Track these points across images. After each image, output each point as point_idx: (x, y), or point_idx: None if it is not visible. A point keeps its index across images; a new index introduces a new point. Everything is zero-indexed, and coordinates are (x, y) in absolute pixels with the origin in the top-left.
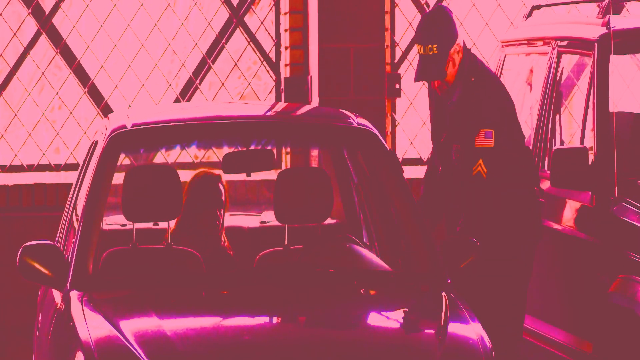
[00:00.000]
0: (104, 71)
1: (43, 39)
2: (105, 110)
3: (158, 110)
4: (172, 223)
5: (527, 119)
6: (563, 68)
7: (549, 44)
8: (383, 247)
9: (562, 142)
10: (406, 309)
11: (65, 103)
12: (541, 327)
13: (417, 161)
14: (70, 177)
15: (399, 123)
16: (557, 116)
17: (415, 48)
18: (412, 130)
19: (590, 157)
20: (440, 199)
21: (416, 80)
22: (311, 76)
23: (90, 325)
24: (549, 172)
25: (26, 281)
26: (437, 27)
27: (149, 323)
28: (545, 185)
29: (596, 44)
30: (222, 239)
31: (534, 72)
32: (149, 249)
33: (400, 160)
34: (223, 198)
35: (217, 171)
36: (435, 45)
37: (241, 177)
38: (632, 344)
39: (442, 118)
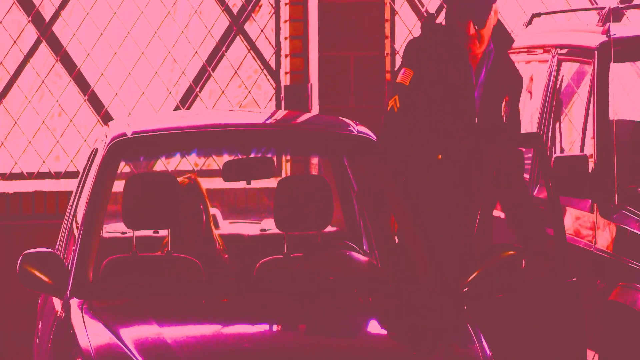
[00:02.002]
0: (104, 79)
1: (43, 47)
2: (105, 118)
3: (158, 118)
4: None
5: (528, 127)
6: (563, 76)
7: (549, 52)
8: (383, 255)
9: (562, 150)
10: (406, 318)
11: (66, 111)
12: None
13: None
14: (70, 184)
15: None
16: (557, 124)
17: None
18: None
19: (591, 165)
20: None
21: (457, 8)
22: (311, 84)
23: (91, 333)
24: None
25: (26, 289)
26: None
27: (149, 331)
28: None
29: (596, 52)
30: (217, 244)
31: (534, 79)
32: (149, 256)
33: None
34: (201, 206)
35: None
36: None
37: (241, 184)
38: (636, 352)
39: (461, 87)
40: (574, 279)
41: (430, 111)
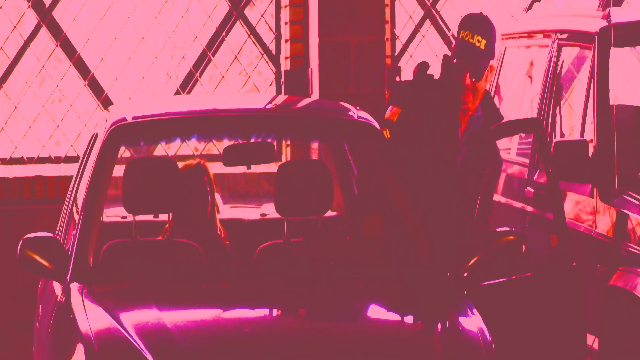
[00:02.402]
0: (104, 64)
1: (43, 32)
2: (106, 102)
3: (158, 103)
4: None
5: (528, 112)
6: (563, 61)
7: (549, 37)
8: (384, 240)
9: (562, 135)
10: (406, 302)
11: (66, 96)
12: None
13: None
14: (70, 169)
15: None
16: (558, 109)
17: (459, 38)
18: None
19: (591, 150)
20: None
21: (456, 56)
22: (311, 69)
23: (91, 318)
24: None
25: (26, 273)
26: (489, 26)
27: (149, 315)
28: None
29: (596, 37)
30: (219, 230)
31: (534, 64)
32: (149, 241)
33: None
34: (207, 187)
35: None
36: (485, 42)
37: (241, 169)
38: (636, 336)
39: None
40: (574, 263)
41: (416, 147)
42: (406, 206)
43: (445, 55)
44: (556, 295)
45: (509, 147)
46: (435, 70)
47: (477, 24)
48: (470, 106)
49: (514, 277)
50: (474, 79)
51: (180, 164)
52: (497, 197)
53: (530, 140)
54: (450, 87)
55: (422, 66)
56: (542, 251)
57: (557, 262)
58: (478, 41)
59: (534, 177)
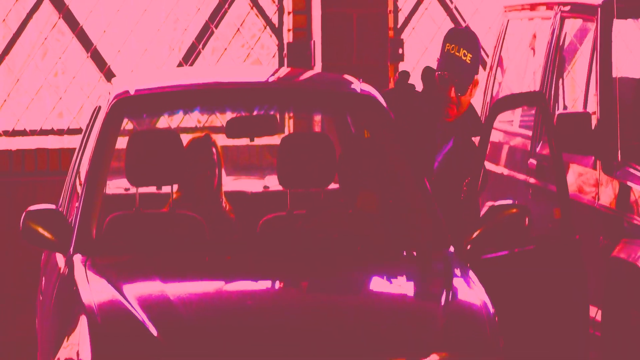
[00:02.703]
0: (106, 36)
1: (46, 4)
2: (108, 75)
3: (161, 76)
4: (175, 188)
5: (530, 84)
6: (566, 33)
7: (552, 9)
8: (386, 213)
9: (565, 107)
10: (409, 275)
11: (68, 68)
12: None
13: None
14: (73, 141)
15: None
16: (560, 81)
17: (445, 47)
18: None
19: (594, 122)
20: None
21: (441, 69)
22: (314, 41)
23: (94, 290)
24: None
25: (29, 245)
26: (475, 42)
27: (153, 287)
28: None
29: (599, 9)
30: (223, 203)
31: (537, 37)
32: (153, 213)
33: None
34: (215, 158)
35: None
36: (470, 56)
37: (244, 141)
38: (638, 307)
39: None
40: (577, 236)
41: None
42: (410, 179)
43: (426, 67)
44: (559, 268)
45: (512, 119)
46: (415, 80)
47: (464, 38)
48: (452, 120)
49: (516, 250)
50: (459, 94)
51: (188, 137)
52: (500, 169)
53: (533, 112)
54: (432, 99)
55: (403, 75)
56: (545, 224)
57: (559, 235)
58: (464, 55)
59: (537, 149)
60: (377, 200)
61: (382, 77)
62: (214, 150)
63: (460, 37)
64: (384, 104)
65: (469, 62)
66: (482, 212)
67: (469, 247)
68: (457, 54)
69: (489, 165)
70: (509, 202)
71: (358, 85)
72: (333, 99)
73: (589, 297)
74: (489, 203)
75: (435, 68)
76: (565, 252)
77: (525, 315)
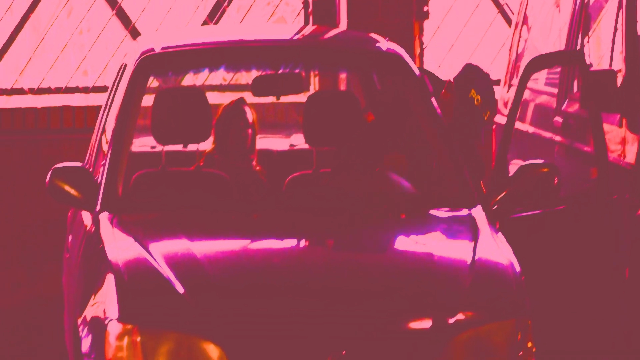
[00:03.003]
0: None
1: None
2: (133, 33)
3: (187, 34)
4: (203, 146)
5: (556, 42)
6: None
7: None
8: (413, 171)
9: (590, 65)
10: (436, 234)
11: (93, 26)
12: None
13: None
14: (98, 99)
15: (426, 45)
16: (586, 38)
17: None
18: (439, 52)
19: (619, 80)
20: None
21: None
22: None
23: (120, 247)
24: (578, 94)
25: (56, 203)
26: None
27: (179, 245)
28: (575, 107)
29: None
30: (255, 164)
31: None
32: (179, 171)
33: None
34: (249, 118)
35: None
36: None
37: (270, 99)
38: None
39: None
40: (615, 196)
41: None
42: (436, 136)
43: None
44: (594, 228)
45: (537, 77)
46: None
47: (474, 76)
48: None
49: (547, 210)
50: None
51: (213, 95)
52: (525, 127)
53: (558, 70)
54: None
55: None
56: (573, 183)
57: (595, 196)
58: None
59: (563, 107)
60: (404, 159)
61: (407, 35)
62: (248, 112)
63: (471, 75)
64: (410, 62)
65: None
66: (511, 171)
67: (496, 206)
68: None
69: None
70: (539, 161)
71: (384, 44)
72: (359, 57)
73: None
74: (516, 161)
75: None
76: (602, 213)
77: (555, 276)
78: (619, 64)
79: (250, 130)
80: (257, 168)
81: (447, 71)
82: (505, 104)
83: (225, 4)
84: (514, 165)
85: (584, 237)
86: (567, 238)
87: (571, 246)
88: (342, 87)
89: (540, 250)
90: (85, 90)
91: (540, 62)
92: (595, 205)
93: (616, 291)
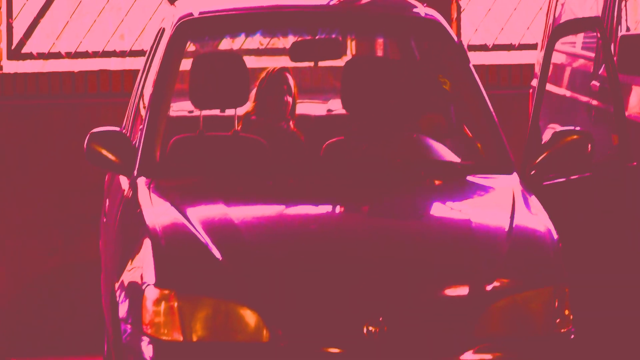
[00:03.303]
0: None
1: None
2: None
3: None
4: (241, 111)
5: (593, 7)
6: None
7: None
8: (450, 138)
9: (628, 29)
10: (473, 201)
11: None
12: None
13: (481, 47)
14: (135, 63)
15: (464, 9)
16: (623, 3)
17: None
18: (477, 16)
19: None
20: None
21: None
22: None
23: (158, 212)
24: (615, 58)
25: (93, 167)
26: None
27: (216, 211)
28: None
29: None
30: (292, 124)
31: None
32: (216, 136)
33: (465, 46)
34: (290, 84)
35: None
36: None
37: (307, 64)
38: None
39: None
40: (634, 163)
41: None
42: (474, 103)
43: None
44: (616, 196)
45: (574, 41)
46: None
47: None
48: None
49: (573, 177)
50: None
51: (250, 59)
52: (562, 91)
53: (595, 34)
54: None
55: None
56: (605, 148)
57: (618, 162)
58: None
59: (600, 71)
60: (441, 125)
61: (445, 0)
62: (290, 80)
63: None
64: (448, 28)
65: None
66: (545, 136)
67: (532, 172)
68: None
69: (550, 87)
70: (572, 128)
71: (422, 10)
72: (396, 23)
73: None
74: (552, 126)
75: None
76: (623, 179)
77: (581, 243)
78: None
79: (291, 98)
80: (297, 133)
81: (484, 35)
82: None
83: None
84: (550, 130)
85: (608, 205)
86: (593, 205)
87: (596, 213)
88: (380, 53)
89: (569, 218)
90: (122, 54)
91: (564, 29)
92: (616, 173)
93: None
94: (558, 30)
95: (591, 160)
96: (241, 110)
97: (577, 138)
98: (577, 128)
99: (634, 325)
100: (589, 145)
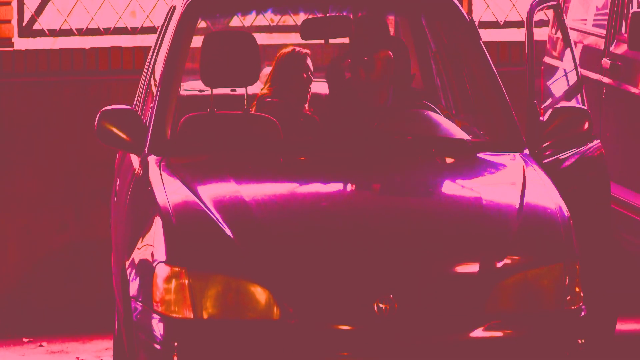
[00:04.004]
0: None
1: None
2: None
3: None
4: (251, 90)
5: None
6: None
7: None
8: (461, 115)
9: (639, 5)
10: (483, 178)
11: None
12: (622, 192)
13: (493, 24)
14: (146, 40)
15: None
16: None
17: None
18: None
19: None
20: None
21: None
22: None
23: (168, 190)
24: (626, 35)
25: (104, 145)
26: None
27: (227, 189)
28: (623, 48)
29: None
30: (307, 106)
31: None
32: (227, 114)
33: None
34: (312, 70)
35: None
36: None
37: (317, 41)
38: None
39: None
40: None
41: None
42: (485, 81)
43: None
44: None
45: (585, 18)
46: None
47: None
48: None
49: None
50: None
51: (261, 36)
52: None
53: (607, 11)
54: None
55: None
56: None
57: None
58: None
59: (611, 49)
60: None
61: None
62: (311, 65)
63: None
64: (460, 6)
65: None
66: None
67: (543, 145)
68: None
69: (562, 65)
70: (571, 104)
71: None
72: (408, 1)
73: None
74: (563, 103)
75: None
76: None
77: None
78: None
79: (310, 83)
80: (311, 110)
81: (496, 12)
82: (554, 45)
83: None
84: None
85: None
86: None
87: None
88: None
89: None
90: (134, 31)
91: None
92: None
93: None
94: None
95: (589, 137)
96: (252, 90)
97: (575, 115)
98: (577, 105)
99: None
100: (586, 122)
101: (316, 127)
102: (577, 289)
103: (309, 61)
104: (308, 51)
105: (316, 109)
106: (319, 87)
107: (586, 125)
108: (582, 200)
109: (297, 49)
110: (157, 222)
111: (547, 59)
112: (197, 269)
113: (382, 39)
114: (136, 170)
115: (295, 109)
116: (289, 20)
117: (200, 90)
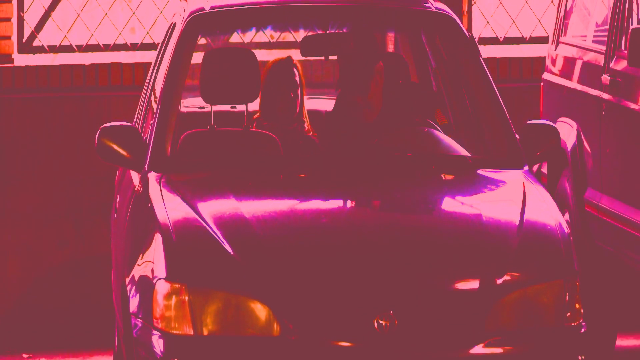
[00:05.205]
0: None
1: None
2: None
3: None
4: (251, 107)
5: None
6: None
7: None
8: (461, 132)
9: (639, 22)
10: (483, 195)
11: None
12: (621, 208)
13: (493, 40)
14: (146, 56)
15: (475, 2)
16: None
17: None
18: (488, 9)
19: None
20: None
21: None
22: None
23: (168, 207)
24: (626, 51)
25: (104, 162)
26: None
27: (227, 205)
28: (623, 64)
29: None
30: (306, 126)
31: None
32: (227, 131)
33: (476, 40)
34: (297, 79)
35: (291, 53)
36: None
37: (317, 58)
38: None
39: None
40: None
41: None
42: (484, 97)
43: None
44: None
45: (585, 34)
46: None
47: None
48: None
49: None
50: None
51: (261, 52)
52: (573, 85)
53: (606, 27)
54: None
55: None
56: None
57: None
58: None
59: (610, 65)
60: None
61: None
62: (296, 72)
63: None
64: (459, 22)
65: None
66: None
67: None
68: None
69: (561, 81)
70: (541, 121)
71: (433, 4)
72: (408, 17)
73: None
74: (563, 119)
75: None
76: None
77: None
78: None
79: (299, 92)
80: (310, 133)
81: (496, 28)
82: (553, 61)
83: None
84: (560, 123)
85: None
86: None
87: None
88: (391, 47)
89: None
90: (134, 47)
91: None
92: None
93: None
94: None
95: (558, 151)
96: (252, 107)
97: (544, 130)
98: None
99: None
100: (557, 137)
101: (315, 149)
102: (577, 306)
103: (297, 77)
104: (294, 61)
105: (315, 127)
106: (318, 104)
107: (554, 141)
108: None
109: (279, 59)
110: (157, 239)
111: (546, 75)
112: (197, 285)
113: (371, 52)
114: (136, 187)
115: (291, 130)
116: (288, 36)
117: (201, 107)
